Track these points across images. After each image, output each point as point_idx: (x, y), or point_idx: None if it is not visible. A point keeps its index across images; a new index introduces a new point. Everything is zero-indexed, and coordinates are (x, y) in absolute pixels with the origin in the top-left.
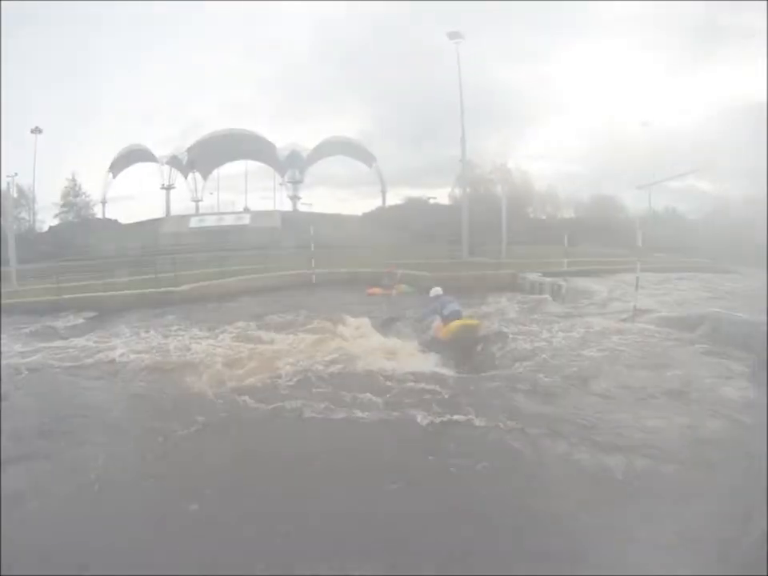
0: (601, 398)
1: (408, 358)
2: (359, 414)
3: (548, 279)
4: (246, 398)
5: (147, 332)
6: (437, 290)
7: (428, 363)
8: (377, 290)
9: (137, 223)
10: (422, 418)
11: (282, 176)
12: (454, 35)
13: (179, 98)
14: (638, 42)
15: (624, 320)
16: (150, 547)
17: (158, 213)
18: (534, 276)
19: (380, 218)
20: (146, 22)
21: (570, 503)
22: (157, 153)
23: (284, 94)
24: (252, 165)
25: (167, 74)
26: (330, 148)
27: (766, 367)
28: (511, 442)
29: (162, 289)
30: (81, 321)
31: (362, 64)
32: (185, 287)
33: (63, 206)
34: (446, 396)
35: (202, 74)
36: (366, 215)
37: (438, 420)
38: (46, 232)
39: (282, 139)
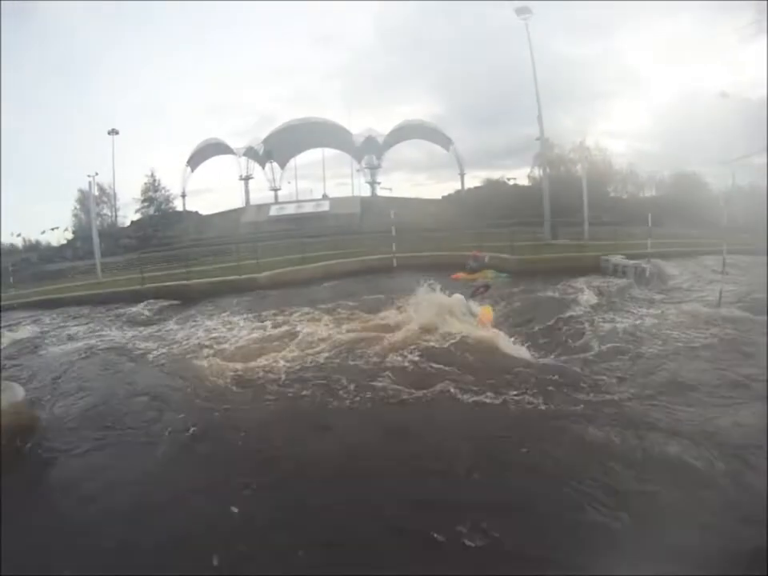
0: (674, 387)
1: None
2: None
3: (631, 262)
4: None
5: (217, 318)
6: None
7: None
8: (462, 275)
9: (217, 214)
10: (482, 401)
11: (359, 162)
12: (522, 11)
13: (250, 92)
14: (710, 9)
15: (709, 306)
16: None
17: (238, 203)
18: (616, 258)
19: (459, 201)
20: (213, 20)
21: (574, 503)
22: (233, 145)
23: (353, 82)
24: (328, 152)
25: (237, 69)
26: (405, 132)
27: None
28: (579, 430)
29: (245, 276)
30: (157, 308)
31: (428, 47)
32: (267, 273)
33: (144, 201)
34: (513, 381)
35: (270, 67)
36: (445, 198)
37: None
38: (128, 227)
39: (354, 127)
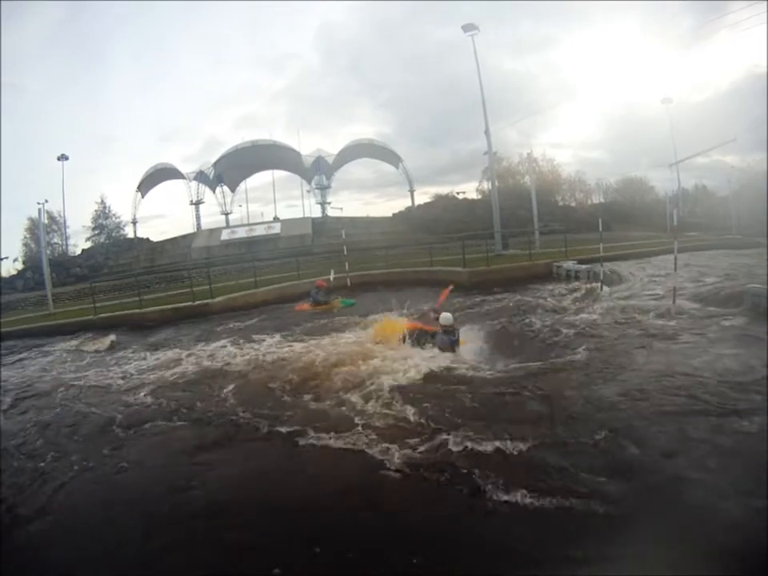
0: (650, 379)
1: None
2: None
3: (583, 266)
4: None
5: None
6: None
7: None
8: (306, 307)
9: (169, 240)
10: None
11: (309, 183)
12: (468, 27)
13: (198, 116)
14: (650, 19)
15: (662, 301)
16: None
17: (189, 228)
18: (568, 264)
19: (410, 217)
20: (160, 45)
21: (568, 500)
22: (183, 170)
23: (301, 104)
24: (278, 174)
25: (185, 94)
26: (355, 151)
27: None
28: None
29: (198, 302)
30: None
31: (373, 66)
32: (220, 299)
33: (94, 228)
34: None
35: (218, 91)
36: (396, 216)
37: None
38: (79, 255)
39: (303, 148)
